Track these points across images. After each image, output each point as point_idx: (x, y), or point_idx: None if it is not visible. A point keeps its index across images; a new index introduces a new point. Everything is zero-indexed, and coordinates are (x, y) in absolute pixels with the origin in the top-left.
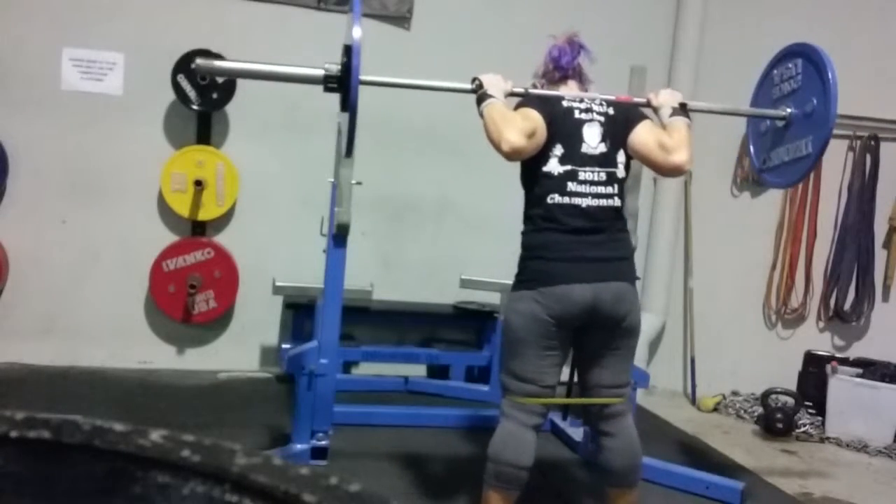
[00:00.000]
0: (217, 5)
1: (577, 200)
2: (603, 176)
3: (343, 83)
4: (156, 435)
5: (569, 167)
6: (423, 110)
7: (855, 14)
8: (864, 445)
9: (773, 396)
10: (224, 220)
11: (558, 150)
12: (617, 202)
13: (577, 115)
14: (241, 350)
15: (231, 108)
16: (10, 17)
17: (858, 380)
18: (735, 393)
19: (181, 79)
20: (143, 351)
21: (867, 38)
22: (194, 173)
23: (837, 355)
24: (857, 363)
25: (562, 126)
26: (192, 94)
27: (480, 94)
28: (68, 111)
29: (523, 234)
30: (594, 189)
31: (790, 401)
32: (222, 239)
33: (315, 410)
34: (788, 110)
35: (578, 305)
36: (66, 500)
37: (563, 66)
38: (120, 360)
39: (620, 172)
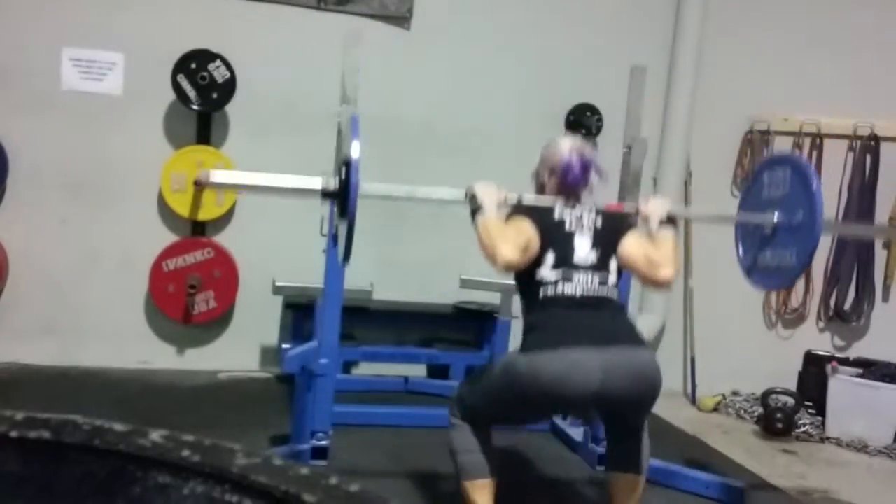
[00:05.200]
0: (217, 5)
1: (570, 292)
2: (595, 281)
3: (342, 196)
4: (156, 435)
5: (562, 272)
6: (424, 110)
7: (855, 13)
8: (864, 445)
9: (773, 396)
10: (224, 220)
11: (550, 257)
12: (614, 295)
13: (567, 227)
14: (241, 350)
15: (231, 108)
16: (10, 17)
17: (858, 380)
18: (735, 393)
19: (181, 79)
20: (142, 351)
21: (868, 38)
22: (194, 173)
23: (837, 355)
24: (857, 363)
25: (553, 236)
26: (192, 94)
27: (474, 207)
28: (68, 111)
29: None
30: (588, 291)
31: (790, 401)
32: (222, 239)
33: (315, 410)
34: (776, 218)
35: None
36: (66, 500)
37: (568, 184)
38: (120, 360)
39: (613, 278)
